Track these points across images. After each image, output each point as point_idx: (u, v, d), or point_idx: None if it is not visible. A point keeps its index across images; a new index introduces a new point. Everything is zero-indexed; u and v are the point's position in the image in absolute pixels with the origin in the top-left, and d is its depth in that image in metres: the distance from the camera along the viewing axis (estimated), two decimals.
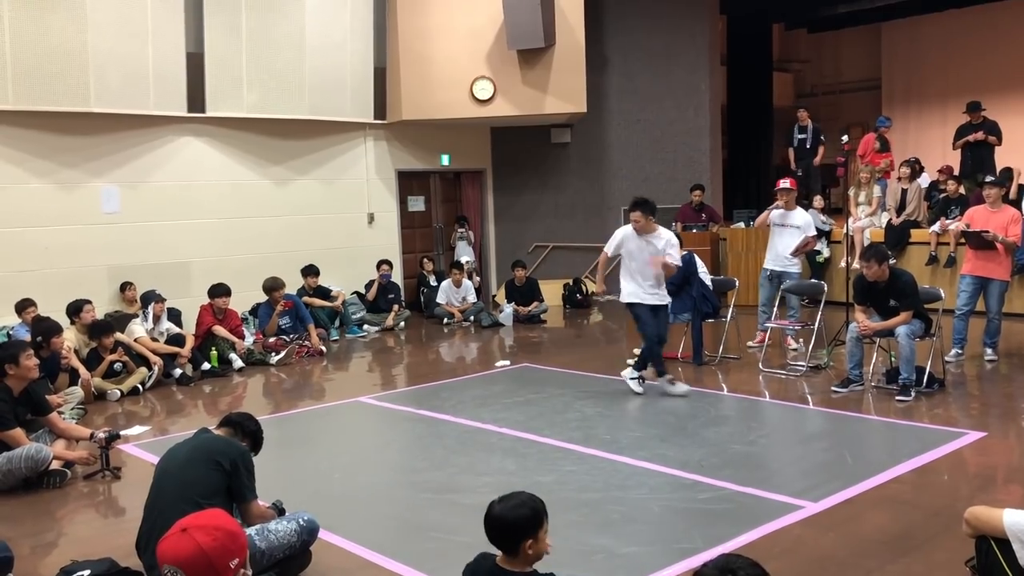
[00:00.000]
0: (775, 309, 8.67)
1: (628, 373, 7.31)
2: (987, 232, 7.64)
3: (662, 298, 7.19)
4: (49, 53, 9.07)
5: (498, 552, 2.76)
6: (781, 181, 8.89)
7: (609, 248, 7.28)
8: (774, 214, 8.72)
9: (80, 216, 9.77)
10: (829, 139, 13.64)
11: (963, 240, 8.71)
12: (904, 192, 10.99)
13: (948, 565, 3.68)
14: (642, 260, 7.06)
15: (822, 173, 13.23)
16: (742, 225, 12.15)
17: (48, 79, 9.11)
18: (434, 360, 9.55)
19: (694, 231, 11.92)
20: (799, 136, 12.98)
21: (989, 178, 8.28)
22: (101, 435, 5.49)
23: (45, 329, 7.12)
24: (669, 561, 3.90)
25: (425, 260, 12.61)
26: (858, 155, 12.41)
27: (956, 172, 11.28)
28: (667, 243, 7.07)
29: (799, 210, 8.82)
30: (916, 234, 10.80)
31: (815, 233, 8.96)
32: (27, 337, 7.35)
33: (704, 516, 4.46)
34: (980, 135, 11.13)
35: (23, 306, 8.31)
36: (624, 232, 7.20)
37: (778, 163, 16.15)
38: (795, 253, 8.57)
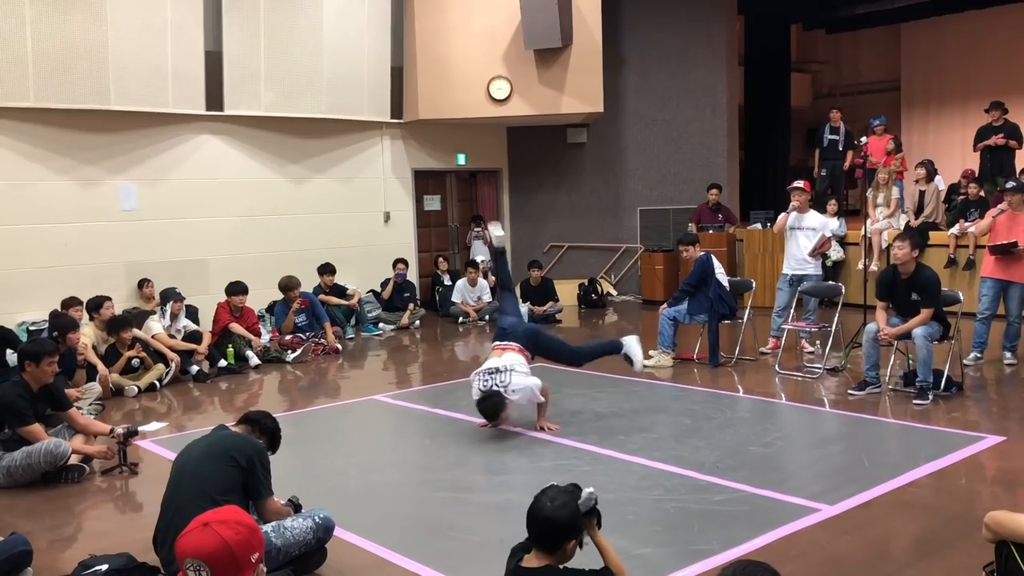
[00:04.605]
0: (791, 313, 8.62)
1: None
2: (1016, 247, 7.58)
3: None
4: (69, 51, 9.15)
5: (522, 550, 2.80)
6: (796, 181, 8.85)
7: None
8: (789, 218, 8.67)
9: (99, 213, 9.84)
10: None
11: (982, 245, 8.66)
12: (922, 194, 10.91)
13: (966, 570, 3.64)
14: None
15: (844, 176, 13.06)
16: (759, 226, 12.07)
17: (68, 77, 9.19)
18: (449, 359, 9.56)
19: (711, 231, 11.87)
20: (830, 136, 12.56)
21: (1011, 183, 8.18)
22: (119, 431, 5.54)
23: (61, 325, 7.17)
24: (684, 562, 3.88)
25: (440, 259, 12.62)
26: (876, 160, 12.17)
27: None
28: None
29: (812, 212, 8.79)
30: (935, 236, 10.71)
31: (831, 234, 8.94)
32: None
33: (719, 518, 4.44)
34: (1000, 138, 11.02)
35: (68, 304, 8.25)
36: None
37: (795, 164, 16.06)
38: (813, 253, 8.54)
